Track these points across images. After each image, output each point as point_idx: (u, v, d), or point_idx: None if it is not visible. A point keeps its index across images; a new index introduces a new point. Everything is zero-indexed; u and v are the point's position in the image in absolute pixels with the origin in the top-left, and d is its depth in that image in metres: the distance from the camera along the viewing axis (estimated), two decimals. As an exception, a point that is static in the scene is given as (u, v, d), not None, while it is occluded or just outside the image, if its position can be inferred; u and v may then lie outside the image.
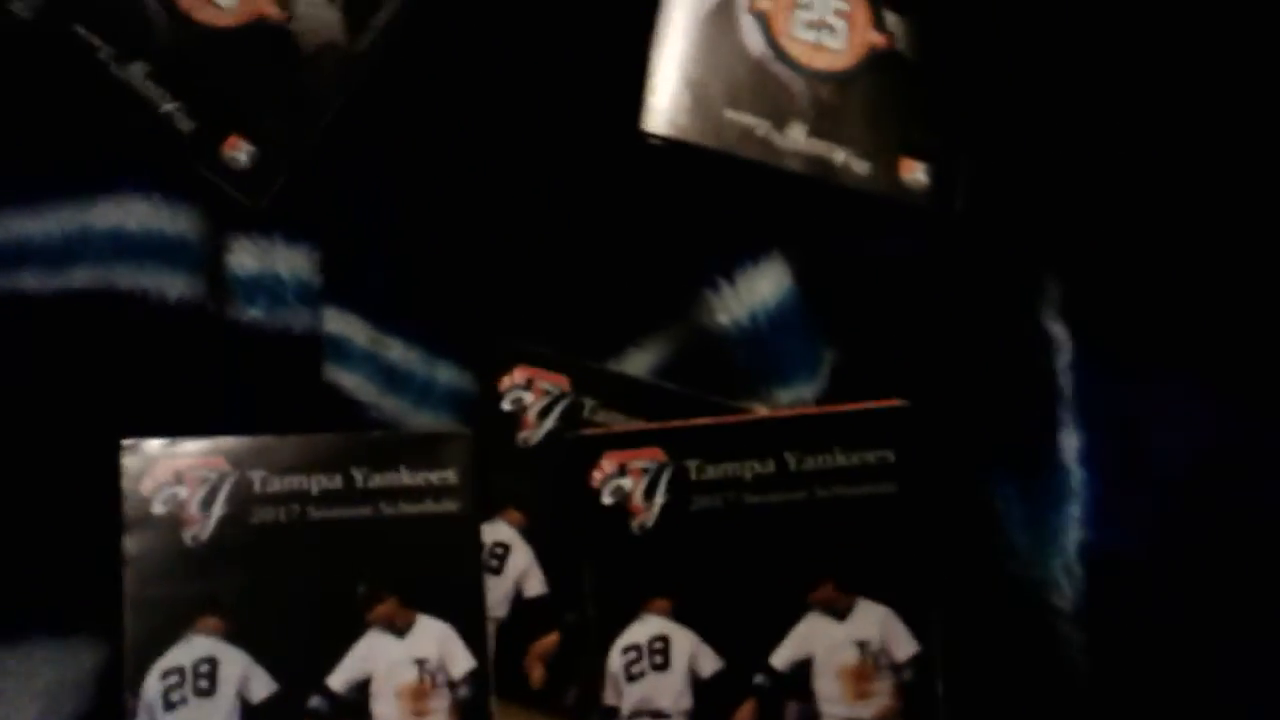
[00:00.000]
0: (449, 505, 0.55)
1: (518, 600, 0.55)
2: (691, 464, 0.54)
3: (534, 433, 0.56)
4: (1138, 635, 0.44)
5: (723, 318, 0.55)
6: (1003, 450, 0.50)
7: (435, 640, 0.53)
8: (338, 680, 0.51)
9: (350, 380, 0.57)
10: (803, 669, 0.53)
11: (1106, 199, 0.54)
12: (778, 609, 0.53)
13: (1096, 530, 0.46)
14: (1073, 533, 0.46)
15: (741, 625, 0.53)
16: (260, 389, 0.55)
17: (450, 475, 0.55)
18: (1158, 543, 0.46)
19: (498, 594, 0.55)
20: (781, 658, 0.53)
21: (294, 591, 0.52)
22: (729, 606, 0.53)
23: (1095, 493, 0.47)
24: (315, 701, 0.51)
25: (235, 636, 0.51)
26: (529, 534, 0.55)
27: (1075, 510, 0.47)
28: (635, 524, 0.54)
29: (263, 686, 0.50)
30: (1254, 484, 0.46)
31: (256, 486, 0.53)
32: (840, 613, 0.53)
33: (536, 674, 0.55)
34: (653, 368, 0.57)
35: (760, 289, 0.55)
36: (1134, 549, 0.46)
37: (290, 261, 0.56)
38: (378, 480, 0.54)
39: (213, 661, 0.50)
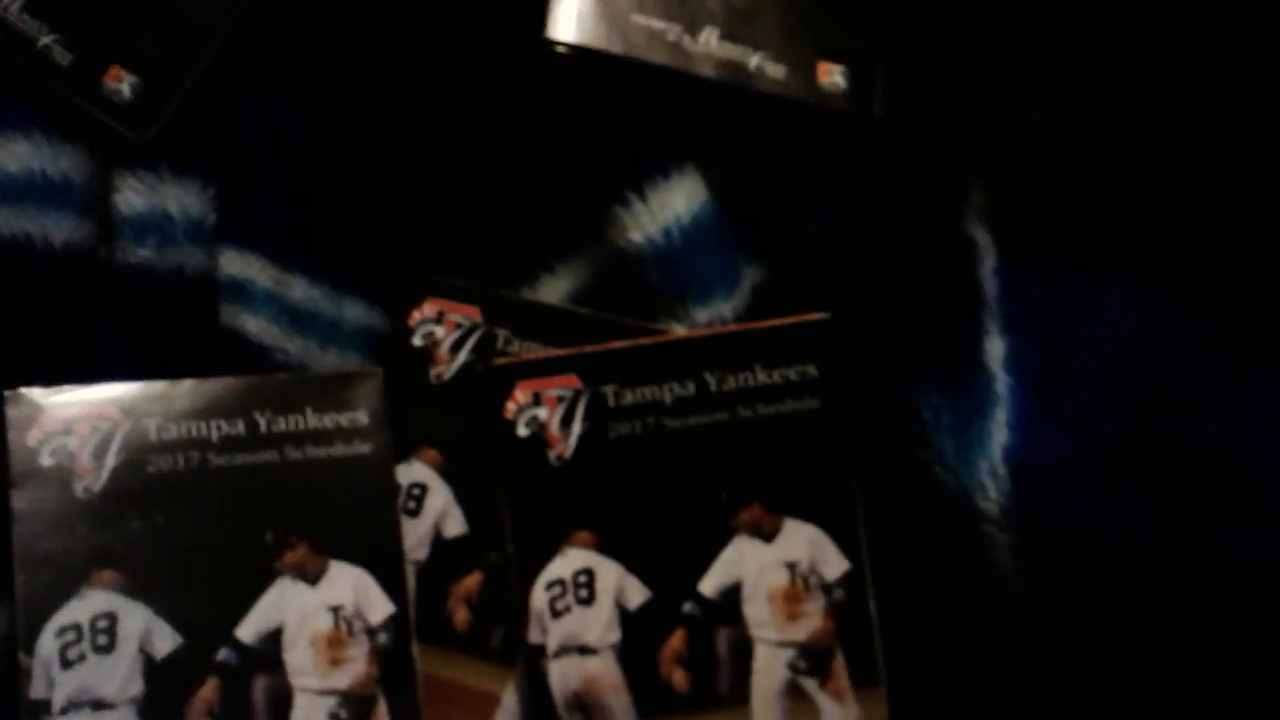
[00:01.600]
0: (360, 447, 0.52)
1: (437, 541, 0.53)
2: (608, 389, 0.52)
3: (447, 368, 0.54)
4: (1062, 534, 0.43)
5: (635, 235, 0.52)
6: (928, 359, 0.48)
7: (350, 586, 0.51)
8: (247, 631, 0.49)
9: (253, 324, 0.54)
10: (732, 595, 0.51)
11: (1027, 101, 0.52)
12: (704, 535, 0.51)
13: (1021, 433, 0.45)
14: (998, 437, 0.45)
15: (667, 554, 0.51)
16: (155, 334, 0.52)
17: (360, 416, 0.53)
18: (1081, 443, 0.44)
19: (416, 536, 0.53)
20: (710, 584, 0.51)
21: (197, 541, 0.49)
22: (654, 535, 0.51)
23: (1020, 397, 0.46)
24: (224, 654, 0.49)
25: (135, 590, 0.48)
26: (447, 473, 0.54)
27: (1000, 415, 0.46)
28: (553, 455, 0.52)
29: (166, 641, 0.48)
30: (1177, 382, 0.44)
31: (152, 434, 0.50)
32: (768, 535, 0.51)
33: (460, 616, 0.53)
34: (568, 294, 0.55)
35: (674, 203, 0.53)
36: (1058, 450, 0.44)
37: (181, 198, 0.53)
38: (283, 424, 0.52)
39: (112, 617, 0.48)
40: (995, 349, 0.47)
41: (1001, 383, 0.46)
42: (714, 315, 0.53)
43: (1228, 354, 0.44)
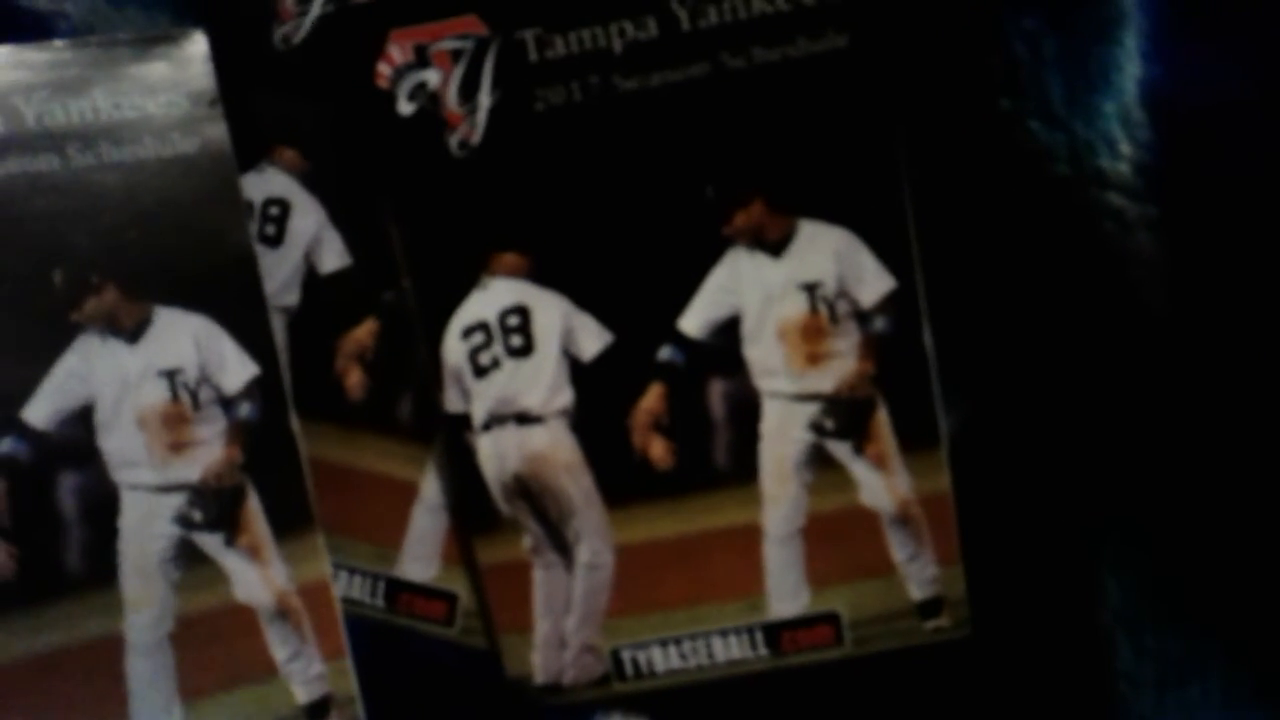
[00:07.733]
0: (182, 145, 0.39)
1: (311, 279, 0.41)
2: (528, 35, 0.37)
3: (297, 24, 0.41)
4: (1227, 198, 0.28)
5: None
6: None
7: (189, 341, 0.39)
8: (39, 412, 0.36)
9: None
10: (728, 332, 0.39)
11: None
12: (683, 250, 0.38)
13: (1162, 61, 0.30)
14: (1129, 69, 0.30)
15: (632, 280, 0.39)
16: None
17: (178, 99, 0.39)
18: (1250, 67, 0.29)
19: (282, 273, 0.41)
20: (695, 320, 0.39)
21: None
22: (610, 254, 0.38)
23: (1159, 9, 0.30)
24: (9, 446, 0.36)
25: None
26: (313, 181, 0.41)
27: (1130, 38, 0.30)
28: (454, 141, 0.39)
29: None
30: None
31: None
32: (775, 245, 0.38)
33: (353, 379, 0.42)
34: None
35: None
36: (1215, 80, 0.29)
37: None
38: (61, 116, 0.38)
39: None
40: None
41: (1131, -8, 0.31)
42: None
43: None
